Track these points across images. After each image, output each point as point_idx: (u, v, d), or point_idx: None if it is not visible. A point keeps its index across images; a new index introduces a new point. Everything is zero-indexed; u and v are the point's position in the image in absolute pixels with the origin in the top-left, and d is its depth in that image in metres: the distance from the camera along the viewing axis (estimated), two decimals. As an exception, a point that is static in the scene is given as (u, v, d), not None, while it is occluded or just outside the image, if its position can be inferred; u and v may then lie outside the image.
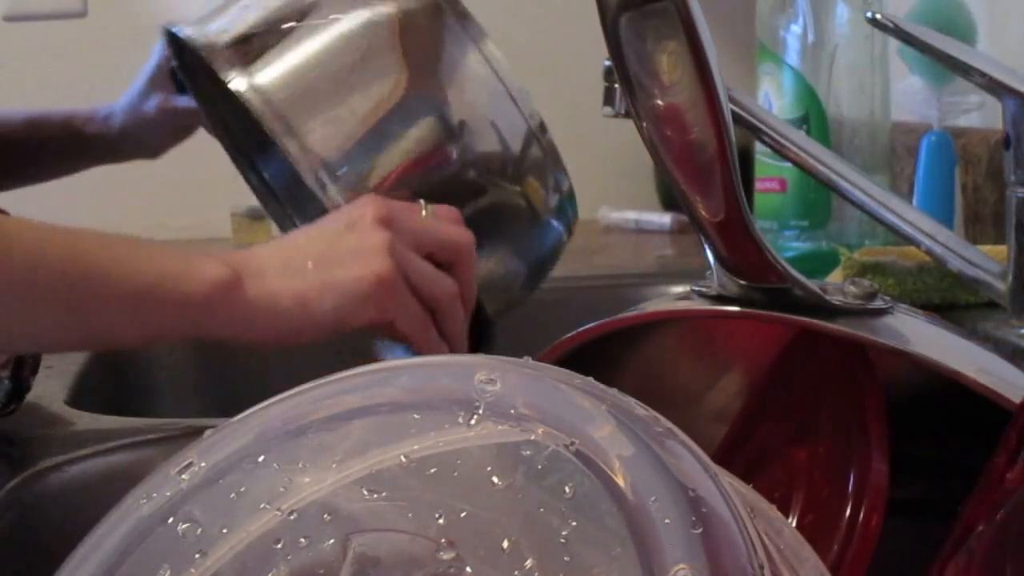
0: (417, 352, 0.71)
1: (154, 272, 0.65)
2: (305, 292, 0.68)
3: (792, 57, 1.09)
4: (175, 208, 1.68)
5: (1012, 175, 0.76)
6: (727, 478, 0.35)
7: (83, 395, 0.85)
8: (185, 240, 1.67)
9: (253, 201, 1.65)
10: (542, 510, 0.33)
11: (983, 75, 0.74)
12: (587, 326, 0.54)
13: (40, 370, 0.79)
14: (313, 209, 0.80)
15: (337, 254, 0.69)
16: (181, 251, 0.69)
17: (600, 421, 0.35)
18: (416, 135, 0.79)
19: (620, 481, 0.33)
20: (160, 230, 1.67)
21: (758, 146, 1.11)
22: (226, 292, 0.66)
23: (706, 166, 0.47)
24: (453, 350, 0.72)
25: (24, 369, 0.74)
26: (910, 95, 1.05)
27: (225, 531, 0.36)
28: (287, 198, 1.06)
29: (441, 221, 0.73)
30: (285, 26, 0.79)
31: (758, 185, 1.13)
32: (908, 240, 0.72)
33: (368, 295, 0.68)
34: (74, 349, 0.72)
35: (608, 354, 0.56)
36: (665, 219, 1.58)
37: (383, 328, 0.70)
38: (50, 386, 0.83)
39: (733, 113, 0.53)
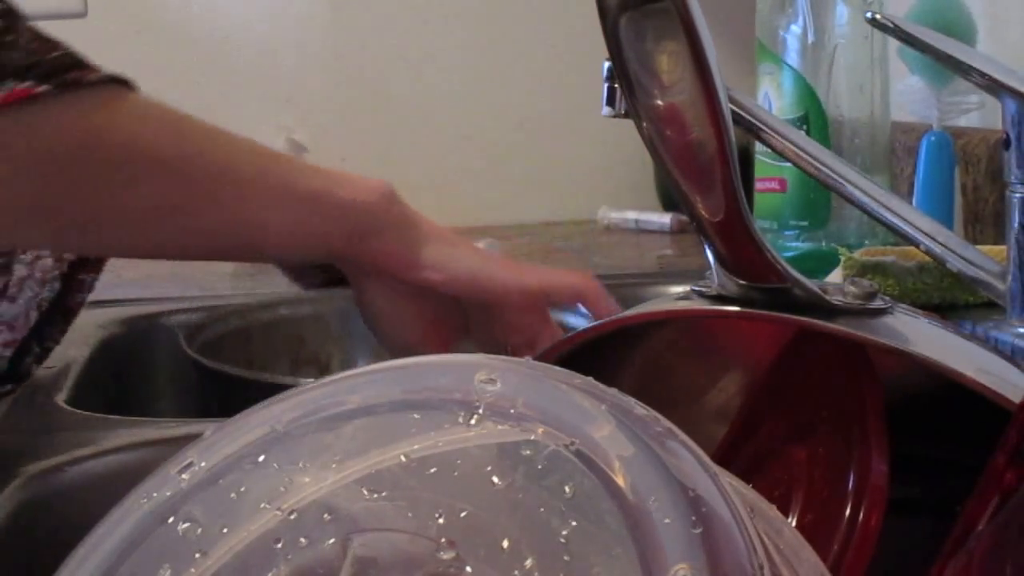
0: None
1: (321, 178, 0.70)
2: (452, 235, 0.75)
3: (792, 57, 1.09)
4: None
5: (1012, 175, 0.76)
6: (727, 478, 0.35)
7: (83, 395, 0.85)
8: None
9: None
10: (542, 510, 0.33)
11: (983, 75, 0.74)
12: (587, 326, 0.54)
13: (40, 369, 0.79)
14: None
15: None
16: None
17: (600, 421, 0.35)
18: None
19: (620, 481, 0.33)
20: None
21: (758, 146, 1.11)
22: (387, 200, 0.71)
23: (706, 166, 0.47)
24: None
25: (28, 355, 0.74)
26: (910, 95, 1.05)
27: (225, 531, 0.36)
28: None
29: None
30: None
31: (758, 185, 1.13)
32: (908, 240, 0.72)
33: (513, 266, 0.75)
34: (242, 256, 0.78)
35: (608, 354, 0.56)
36: (665, 219, 1.58)
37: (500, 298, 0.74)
38: (50, 386, 0.83)
39: (733, 113, 0.53)
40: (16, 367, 0.74)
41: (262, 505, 0.36)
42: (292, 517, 0.36)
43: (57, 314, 0.76)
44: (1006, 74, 0.73)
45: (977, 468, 0.41)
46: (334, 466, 0.36)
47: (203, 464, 0.38)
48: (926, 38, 0.75)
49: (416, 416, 0.37)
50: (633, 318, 0.55)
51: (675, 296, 0.56)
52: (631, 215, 1.62)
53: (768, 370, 0.57)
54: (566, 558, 0.32)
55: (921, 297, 0.87)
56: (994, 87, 0.74)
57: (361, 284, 0.74)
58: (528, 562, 0.32)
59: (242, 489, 0.37)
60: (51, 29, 0.63)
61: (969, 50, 0.78)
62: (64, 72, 0.59)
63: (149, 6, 1.69)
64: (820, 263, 1.06)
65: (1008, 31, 1.16)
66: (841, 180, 0.69)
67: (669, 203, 1.62)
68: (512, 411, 0.36)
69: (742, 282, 0.50)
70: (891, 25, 0.76)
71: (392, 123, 1.73)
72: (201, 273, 1.40)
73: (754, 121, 0.67)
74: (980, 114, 1.08)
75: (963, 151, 1.09)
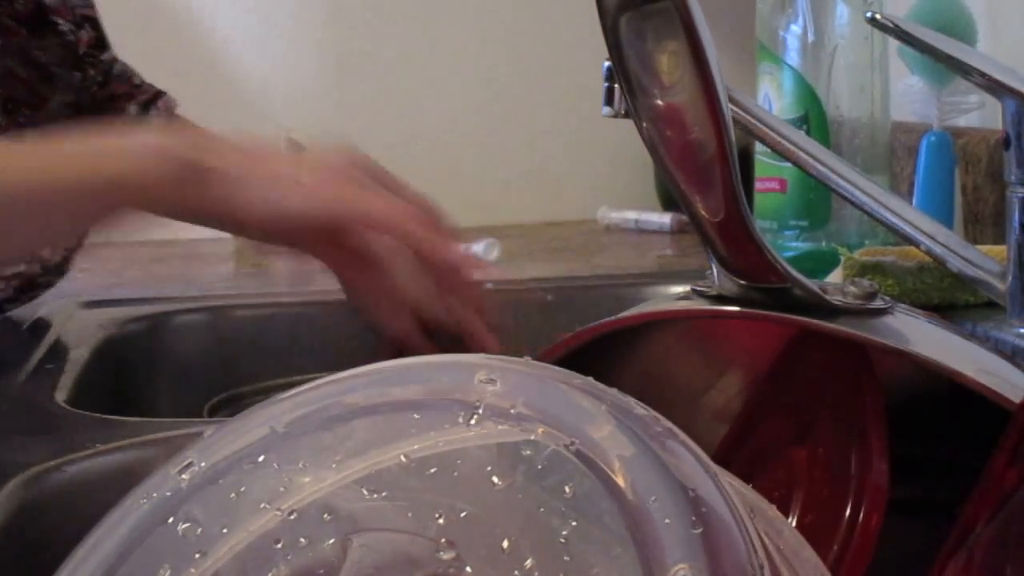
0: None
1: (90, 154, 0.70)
2: (248, 164, 0.71)
3: (792, 57, 1.09)
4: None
5: (1012, 175, 0.76)
6: (727, 478, 0.35)
7: (83, 395, 0.85)
8: (185, 240, 1.67)
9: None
10: (542, 510, 0.33)
11: (983, 75, 0.74)
12: (587, 326, 0.54)
13: (40, 370, 0.79)
14: None
15: (291, 160, 0.73)
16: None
17: (600, 421, 0.35)
18: None
19: (620, 481, 0.33)
20: (161, 230, 1.67)
21: (758, 146, 1.11)
22: (160, 152, 0.69)
23: (706, 166, 0.47)
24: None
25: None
26: (910, 95, 1.05)
27: (225, 531, 0.36)
28: None
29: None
30: None
31: (758, 185, 1.13)
32: (908, 240, 0.72)
33: (319, 191, 0.70)
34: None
35: (608, 354, 0.56)
36: (665, 219, 1.58)
37: (355, 221, 0.72)
38: (50, 386, 0.83)
39: (733, 113, 0.53)
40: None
41: (262, 505, 0.36)
42: (292, 517, 0.36)
43: None
44: (1006, 74, 0.73)
45: (977, 468, 0.41)
46: (334, 466, 0.36)
47: (203, 464, 0.38)
48: (926, 38, 0.75)
49: (416, 416, 0.37)
50: (633, 318, 0.55)
51: (675, 296, 0.56)
52: (631, 215, 1.62)
53: (768, 370, 0.57)
54: (566, 558, 0.32)
55: (921, 297, 0.87)
56: (994, 87, 0.74)
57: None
58: (528, 562, 0.32)
59: (242, 489, 0.37)
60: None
61: (969, 50, 0.78)
62: None
63: (150, 5, 1.69)
64: (820, 263, 1.06)
65: (1008, 31, 1.16)
66: (841, 180, 0.69)
67: (669, 203, 1.62)
68: (512, 411, 0.36)
69: (742, 282, 0.50)
70: (891, 25, 0.76)
71: (392, 124, 1.73)
72: (202, 273, 1.40)
73: (754, 121, 0.67)
74: (980, 114, 1.08)
75: (963, 151, 1.09)
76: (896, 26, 0.76)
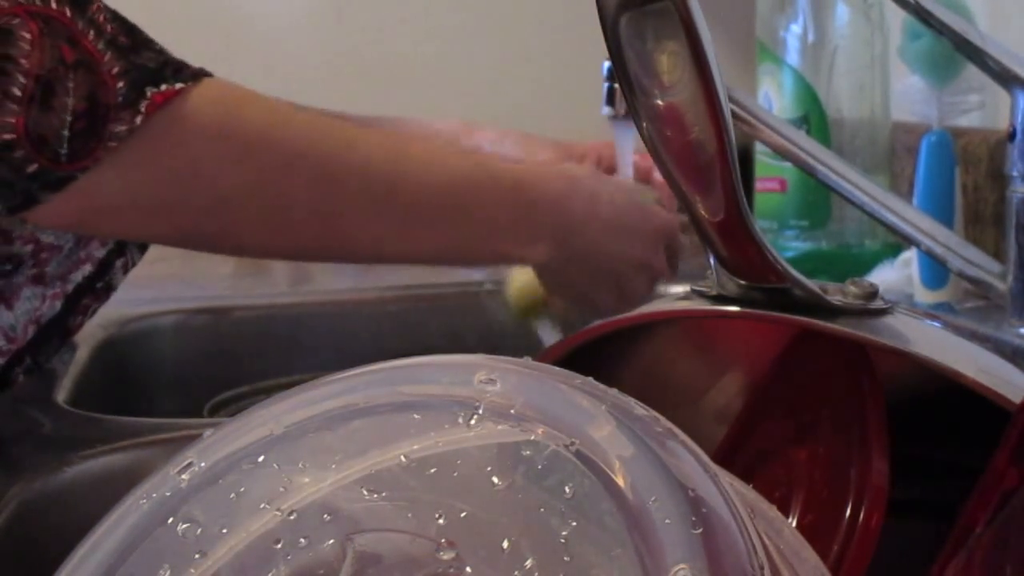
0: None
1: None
2: None
3: (792, 57, 1.09)
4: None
5: (1015, 168, 0.76)
6: (727, 478, 0.35)
7: (83, 395, 0.85)
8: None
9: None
10: (542, 510, 0.33)
11: (995, 62, 0.73)
12: (587, 326, 0.54)
13: (40, 370, 0.79)
14: None
15: None
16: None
17: (600, 421, 0.35)
18: None
19: (620, 481, 0.33)
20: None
21: (758, 146, 1.11)
22: None
23: (706, 166, 0.47)
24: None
25: (19, 366, 0.74)
26: (910, 95, 1.05)
27: (225, 531, 0.36)
28: None
29: None
30: None
31: (758, 185, 1.13)
32: (908, 240, 0.72)
33: None
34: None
35: (608, 354, 0.56)
36: (665, 219, 1.58)
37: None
38: (50, 386, 0.83)
39: (733, 113, 0.53)
40: (6, 376, 0.74)
41: (262, 505, 0.36)
42: (292, 517, 0.36)
43: (54, 333, 0.76)
44: (1018, 64, 0.73)
45: (977, 468, 0.41)
46: (334, 466, 0.36)
47: (203, 464, 0.38)
48: (943, 17, 0.74)
49: (416, 416, 0.37)
50: (633, 318, 0.55)
51: (675, 296, 0.56)
52: (631, 215, 1.61)
53: (768, 370, 0.57)
54: (566, 558, 0.32)
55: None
56: (1005, 77, 0.74)
57: None
58: (528, 562, 0.32)
59: (242, 489, 0.37)
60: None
61: (983, 35, 0.77)
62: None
63: (149, 5, 1.69)
64: (820, 263, 1.06)
65: (1008, 31, 1.16)
66: (841, 180, 0.69)
67: (669, 203, 1.62)
68: (512, 411, 0.36)
69: (742, 282, 0.50)
70: (911, 1, 0.75)
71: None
72: (201, 274, 1.40)
73: (754, 121, 0.67)
74: (980, 114, 1.08)
75: (963, 151, 1.09)
76: (915, 1, 0.75)
